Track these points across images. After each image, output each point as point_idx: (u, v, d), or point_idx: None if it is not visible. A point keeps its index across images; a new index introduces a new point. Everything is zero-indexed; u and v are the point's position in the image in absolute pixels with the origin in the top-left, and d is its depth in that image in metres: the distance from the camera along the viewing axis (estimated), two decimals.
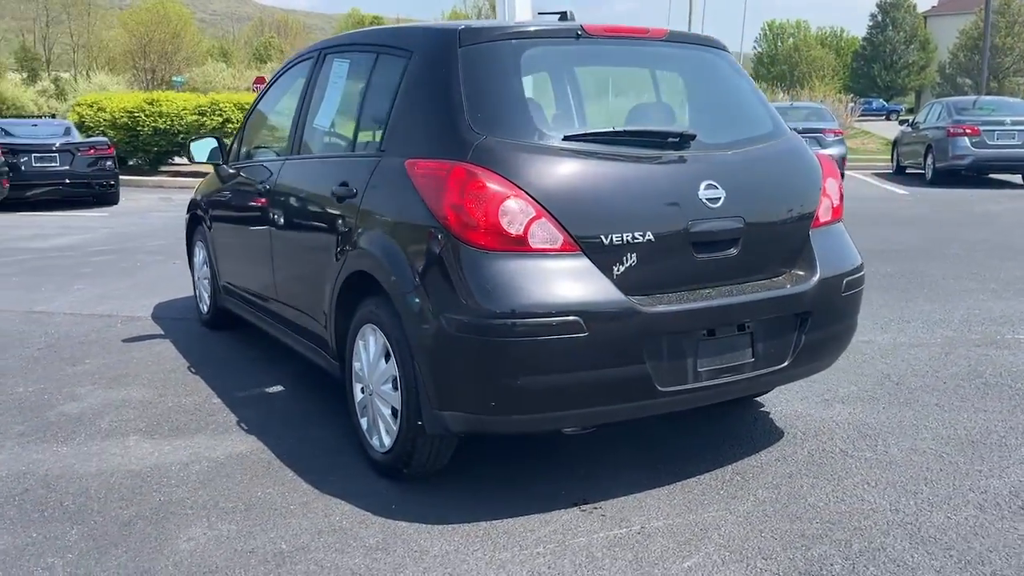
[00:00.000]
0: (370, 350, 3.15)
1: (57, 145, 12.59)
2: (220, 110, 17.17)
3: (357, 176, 3.23)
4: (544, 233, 2.77)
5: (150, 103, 17.43)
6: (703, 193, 2.96)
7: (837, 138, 15.42)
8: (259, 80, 25.21)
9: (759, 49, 77.29)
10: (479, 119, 2.86)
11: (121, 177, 13.78)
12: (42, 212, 12.10)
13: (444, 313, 2.73)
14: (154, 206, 13.22)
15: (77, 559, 2.63)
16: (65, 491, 3.09)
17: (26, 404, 4.03)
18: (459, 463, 3.19)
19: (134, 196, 14.41)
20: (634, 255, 2.85)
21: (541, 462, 3.33)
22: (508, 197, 2.74)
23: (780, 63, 69.92)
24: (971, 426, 3.64)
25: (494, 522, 2.85)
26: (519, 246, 2.75)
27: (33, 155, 12.28)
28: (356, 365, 3.27)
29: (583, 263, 2.80)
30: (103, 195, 12.97)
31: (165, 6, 61.97)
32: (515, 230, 2.74)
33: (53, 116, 29.69)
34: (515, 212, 2.75)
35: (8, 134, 13.16)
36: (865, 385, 4.17)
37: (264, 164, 4.26)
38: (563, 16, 3.32)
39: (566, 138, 2.94)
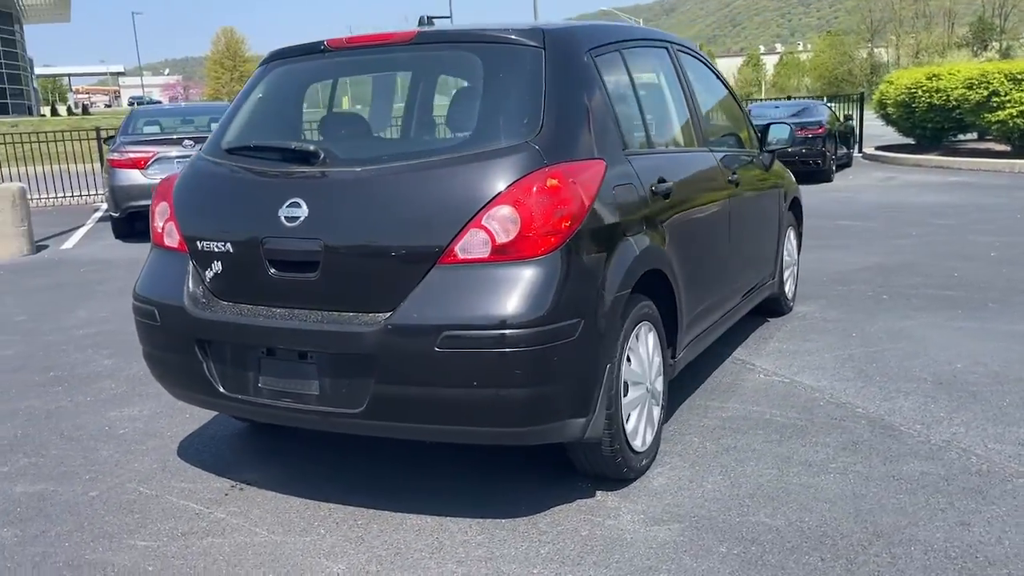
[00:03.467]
0: None
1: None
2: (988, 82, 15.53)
3: None
4: (170, 234, 3.22)
5: (929, 78, 17.08)
6: (283, 211, 2.86)
7: None
8: None
9: None
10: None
11: (891, 155, 15.65)
12: None
13: None
14: (870, 184, 13.71)
15: None
16: None
17: None
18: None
19: (866, 174, 15.35)
20: (219, 263, 3.03)
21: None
22: (160, 201, 3.28)
23: None
24: None
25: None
26: (159, 241, 3.28)
27: None
28: None
29: (184, 263, 3.14)
30: (813, 173, 14.00)
31: None
32: (157, 227, 3.27)
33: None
34: (158, 213, 3.28)
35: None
36: None
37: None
38: (427, 20, 3.51)
39: (226, 151, 3.22)
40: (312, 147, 2.99)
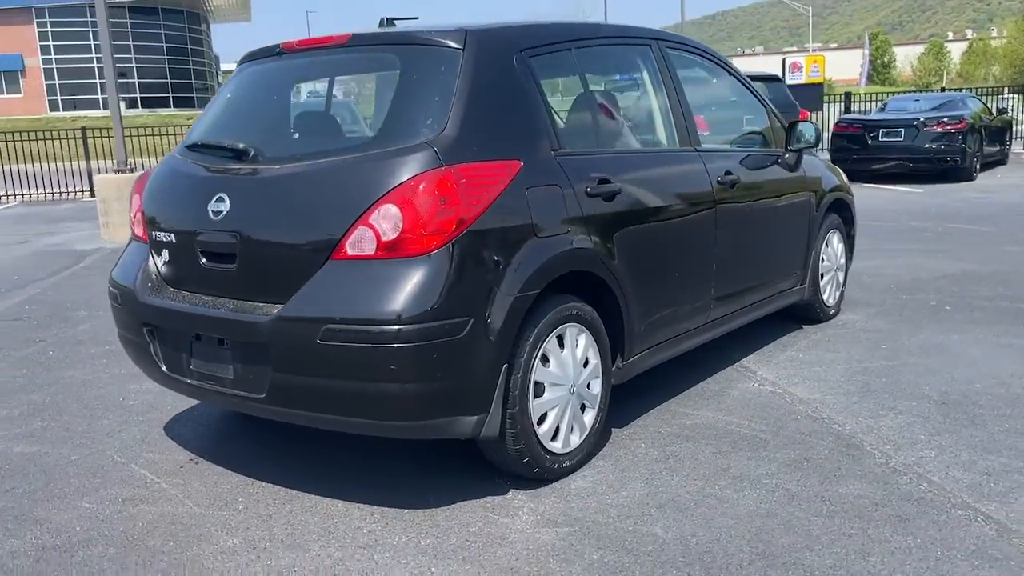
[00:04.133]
0: None
1: (903, 120, 13.33)
2: None
3: None
4: (139, 224, 3.52)
5: None
6: (211, 206, 3.06)
7: None
8: None
9: None
10: None
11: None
12: (887, 185, 13.11)
13: None
14: (1015, 184, 12.93)
15: None
16: None
17: None
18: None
19: (1018, 173, 14.59)
20: (167, 252, 3.29)
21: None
22: (135, 194, 3.60)
23: None
24: None
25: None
26: (133, 231, 3.62)
27: (881, 130, 13.32)
28: None
29: (144, 251, 3.46)
30: (951, 171, 13.12)
31: None
32: (132, 217, 3.61)
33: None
34: (132, 205, 3.60)
35: (884, 110, 14.78)
36: None
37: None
38: (387, 22, 3.58)
39: (187, 147, 3.46)
40: (242, 145, 3.16)
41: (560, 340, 3.13)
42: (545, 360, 3.07)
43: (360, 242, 2.75)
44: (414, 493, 3.12)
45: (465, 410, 2.82)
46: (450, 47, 3.03)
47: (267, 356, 2.87)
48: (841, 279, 5.47)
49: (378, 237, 2.73)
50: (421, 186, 2.72)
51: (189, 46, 51.75)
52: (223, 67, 69.05)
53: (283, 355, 2.83)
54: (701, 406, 3.91)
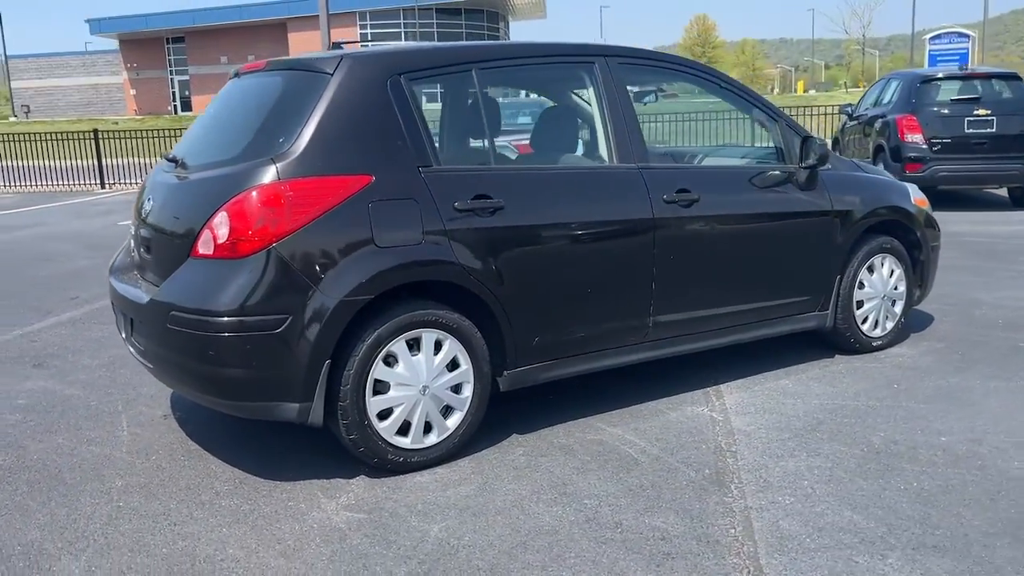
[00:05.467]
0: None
1: None
2: None
3: None
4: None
5: None
6: (144, 205, 3.78)
7: None
8: None
9: None
10: None
11: None
12: None
13: None
14: None
15: None
16: None
17: None
18: None
19: None
20: (132, 243, 3.92)
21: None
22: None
23: None
24: None
25: None
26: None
27: None
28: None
29: (128, 242, 4.08)
30: None
31: None
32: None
33: None
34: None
35: None
36: None
37: None
38: (335, 46, 3.82)
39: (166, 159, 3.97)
40: (174, 155, 3.74)
41: (415, 343, 3.36)
42: (391, 360, 3.33)
43: (206, 243, 3.20)
44: (293, 468, 3.51)
45: (286, 397, 3.17)
46: (323, 72, 3.37)
47: (145, 333, 3.43)
48: (898, 309, 4.98)
49: (215, 240, 3.16)
50: (251, 196, 3.11)
51: None
52: None
53: (150, 333, 3.37)
54: (620, 423, 3.90)
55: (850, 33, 74.49)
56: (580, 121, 3.96)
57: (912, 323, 5.46)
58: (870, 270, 4.82)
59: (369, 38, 52.39)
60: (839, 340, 4.83)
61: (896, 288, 4.95)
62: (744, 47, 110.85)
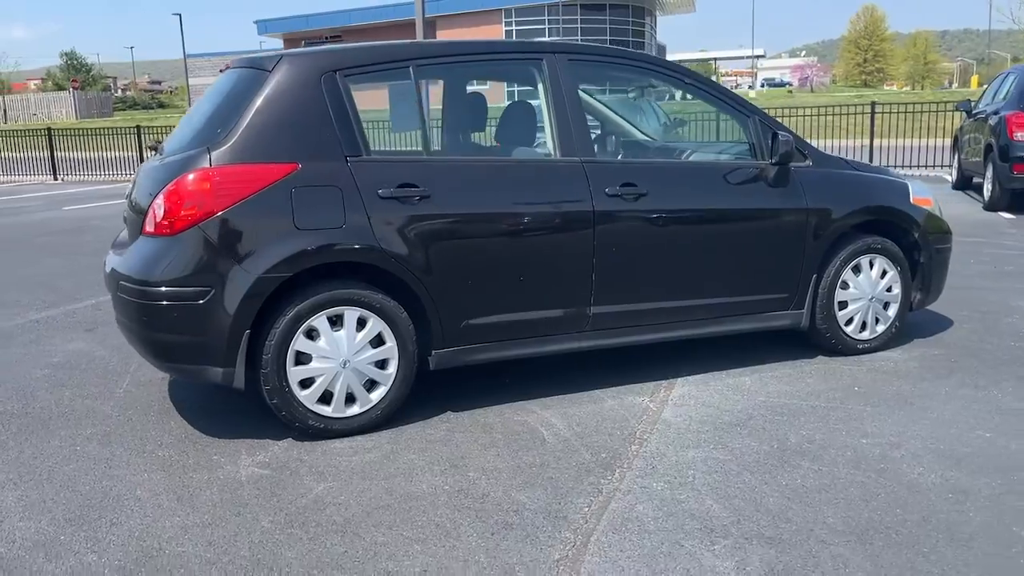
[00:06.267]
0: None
1: None
2: None
3: None
4: None
5: None
6: (130, 188, 4.21)
7: None
8: None
9: None
10: None
11: None
12: None
13: None
14: None
15: None
16: None
17: None
18: None
19: None
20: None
21: None
22: None
23: None
24: None
25: None
26: None
27: None
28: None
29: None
30: None
31: None
32: None
33: None
34: None
35: None
36: None
37: None
38: (304, 44, 4.07)
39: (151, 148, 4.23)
40: (157, 142, 4.18)
41: (338, 319, 3.65)
42: (314, 335, 3.63)
43: (149, 221, 3.60)
44: (238, 428, 3.87)
45: (212, 362, 3.53)
46: (264, 69, 3.71)
47: (112, 301, 3.88)
48: (892, 312, 4.82)
49: (155, 219, 3.56)
50: (183, 180, 3.49)
51: (630, 39, 54.81)
52: (668, 57, 71.65)
53: (112, 301, 3.82)
54: (553, 407, 4.04)
55: (1017, 23, 68.78)
56: (527, 116, 4.11)
57: (923, 326, 5.27)
58: (856, 270, 4.70)
59: (513, 35, 53.24)
60: (820, 341, 4.75)
61: (890, 290, 4.80)
62: (916, 40, 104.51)
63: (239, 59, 4.10)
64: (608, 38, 53.76)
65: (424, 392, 4.14)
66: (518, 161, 4.11)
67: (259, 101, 3.62)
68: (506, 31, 53.60)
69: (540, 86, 4.10)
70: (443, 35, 54.02)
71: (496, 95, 4.44)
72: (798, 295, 4.57)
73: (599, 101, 5.11)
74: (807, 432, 3.69)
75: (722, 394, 4.20)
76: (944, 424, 3.74)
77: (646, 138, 5.61)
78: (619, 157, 4.92)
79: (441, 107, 4.38)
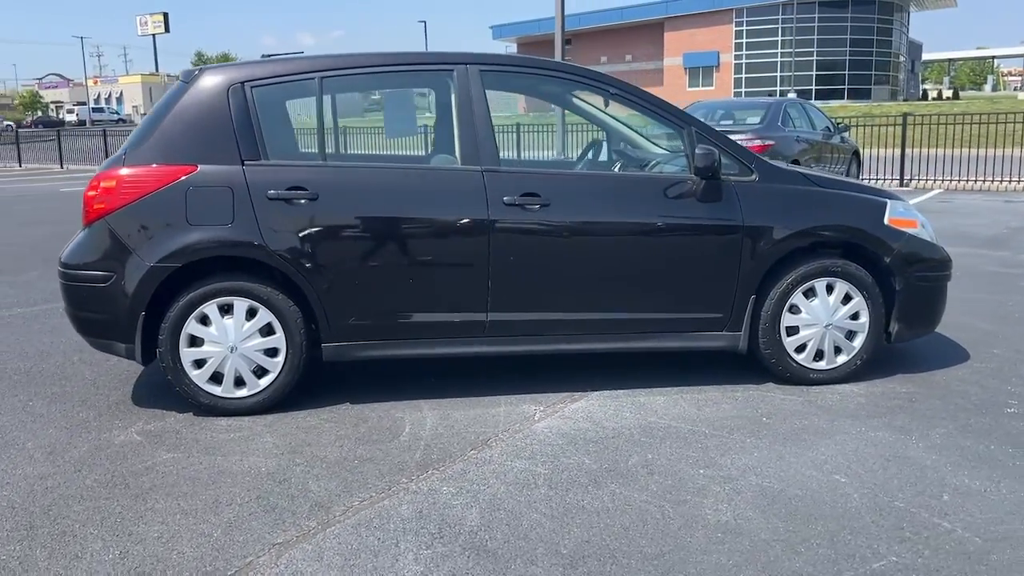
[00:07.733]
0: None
1: None
2: None
3: None
4: None
5: None
6: None
7: None
8: None
9: None
10: None
11: None
12: None
13: None
14: None
15: None
16: None
17: None
18: None
19: None
20: None
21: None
22: None
23: None
24: None
25: None
26: None
27: None
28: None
29: None
30: None
31: None
32: None
33: None
34: None
35: None
36: None
37: None
38: (264, 57, 4.41)
39: None
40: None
41: (229, 308, 4.01)
42: (207, 320, 4.01)
43: (83, 214, 4.15)
44: (161, 400, 4.36)
45: (117, 338, 4.02)
46: (184, 82, 4.13)
47: None
48: (857, 342, 4.42)
49: (83, 212, 4.10)
50: (95, 180, 4.01)
51: (875, 37, 51.24)
52: (926, 56, 66.05)
53: None
54: (441, 408, 4.15)
55: None
56: (439, 126, 4.24)
57: (927, 361, 4.81)
58: (810, 294, 4.37)
59: (744, 36, 51.58)
60: (767, 366, 4.46)
61: (856, 318, 4.41)
62: None
63: (184, 72, 4.58)
64: (849, 36, 50.67)
65: (345, 383, 4.42)
66: (413, 168, 4.25)
67: (174, 110, 4.06)
68: (736, 31, 52.08)
69: (453, 96, 4.22)
70: (671, 37, 53.48)
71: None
72: (733, 316, 4.34)
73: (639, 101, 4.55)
74: (652, 456, 3.56)
75: (617, 411, 4.10)
76: (807, 464, 3.45)
77: (656, 148, 5.46)
78: (617, 168, 4.88)
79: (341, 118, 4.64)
